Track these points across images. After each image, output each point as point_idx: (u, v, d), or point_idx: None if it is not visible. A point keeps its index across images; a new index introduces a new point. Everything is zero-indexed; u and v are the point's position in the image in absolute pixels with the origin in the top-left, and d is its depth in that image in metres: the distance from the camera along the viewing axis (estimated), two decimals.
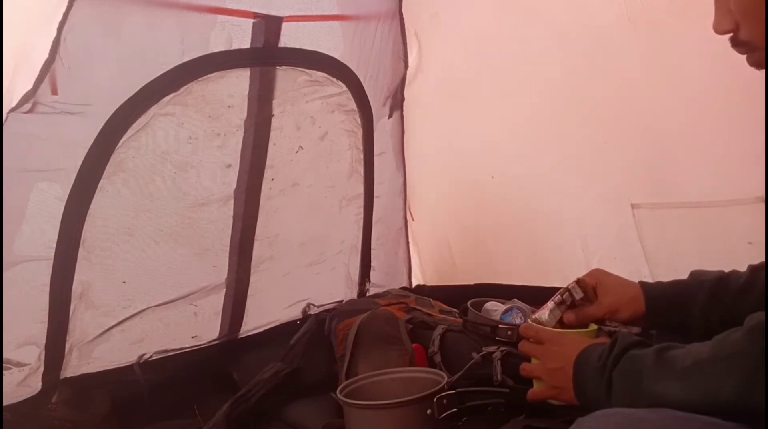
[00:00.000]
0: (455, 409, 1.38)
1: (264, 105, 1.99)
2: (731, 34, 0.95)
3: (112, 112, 1.65)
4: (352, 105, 2.24)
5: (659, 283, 1.29)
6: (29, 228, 1.62)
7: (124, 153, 1.70)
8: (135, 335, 1.85)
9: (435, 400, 1.35)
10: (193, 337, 1.99)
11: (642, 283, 1.28)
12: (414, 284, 2.63)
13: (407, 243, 2.63)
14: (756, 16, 0.91)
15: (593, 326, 1.24)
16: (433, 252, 2.61)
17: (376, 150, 2.37)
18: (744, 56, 0.97)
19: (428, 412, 1.35)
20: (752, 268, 1.20)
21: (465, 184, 2.44)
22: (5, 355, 1.58)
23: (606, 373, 1.02)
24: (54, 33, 1.51)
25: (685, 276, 1.28)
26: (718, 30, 0.96)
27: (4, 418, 1.54)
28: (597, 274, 1.31)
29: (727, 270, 1.23)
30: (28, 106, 1.50)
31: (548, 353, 1.14)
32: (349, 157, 2.30)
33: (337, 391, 1.49)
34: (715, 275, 1.23)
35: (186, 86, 1.77)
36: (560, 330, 1.21)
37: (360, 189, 2.36)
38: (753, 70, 0.97)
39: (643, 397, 0.95)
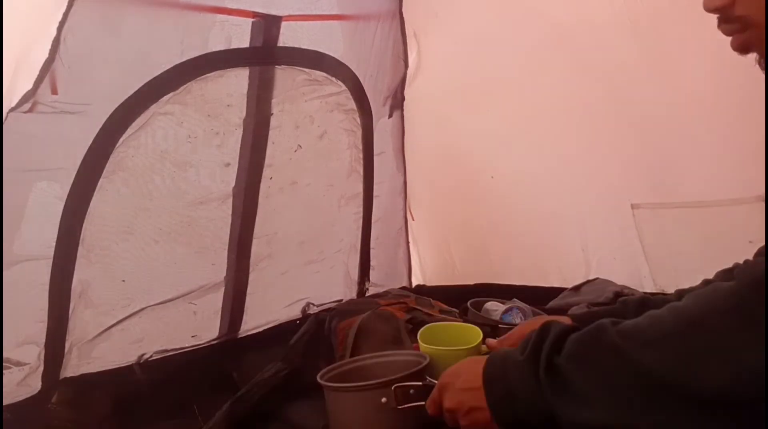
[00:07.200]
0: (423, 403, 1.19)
1: (263, 104, 1.98)
2: (721, 12, 0.89)
3: (112, 111, 1.64)
4: (352, 104, 2.23)
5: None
6: (29, 228, 1.61)
7: (123, 152, 1.70)
8: (135, 334, 1.84)
9: (393, 388, 1.19)
10: (192, 337, 1.98)
11: None
12: (414, 284, 2.63)
13: (407, 243, 2.63)
14: None
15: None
16: (433, 252, 2.61)
17: (376, 150, 2.37)
18: (732, 47, 0.91)
19: (383, 400, 1.21)
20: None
21: (465, 184, 2.44)
22: (5, 355, 1.58)
23: (542, 362, 0.86)
24: (54, 33, 1.50)
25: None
26: (710, 6, 0.89)
27: (4, 418, 1.53)
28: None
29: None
30: (28, 105, 1.50)
31: (460, 395, 1.01)
32: (348, 156, 2.30)
33: (319, 375, 1.44)
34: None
35: (185, 85, 1.77)
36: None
37: (359, 188, 2.36)
38: (753, 69, 0.95)
39: (620, 374, 0.80)
